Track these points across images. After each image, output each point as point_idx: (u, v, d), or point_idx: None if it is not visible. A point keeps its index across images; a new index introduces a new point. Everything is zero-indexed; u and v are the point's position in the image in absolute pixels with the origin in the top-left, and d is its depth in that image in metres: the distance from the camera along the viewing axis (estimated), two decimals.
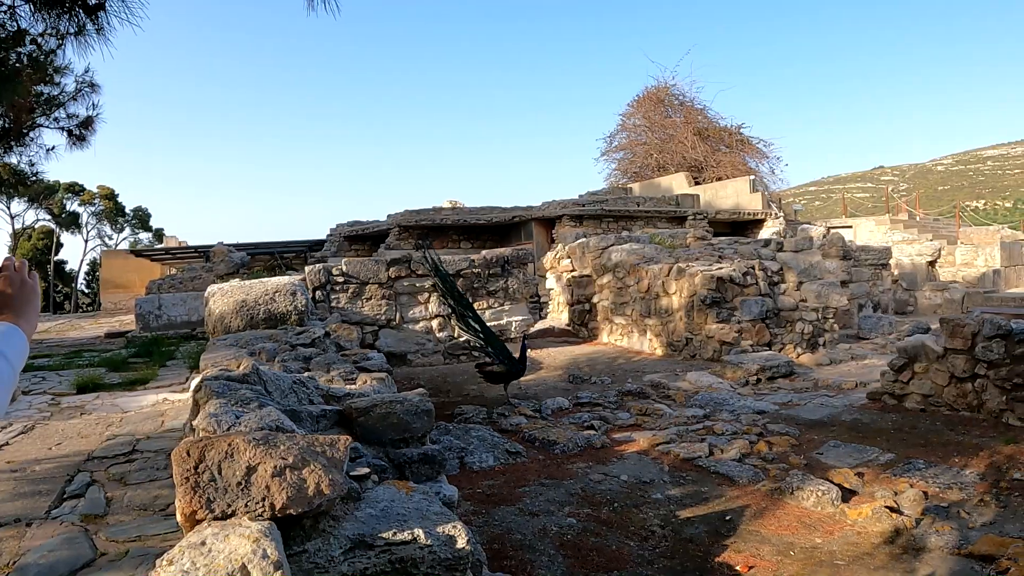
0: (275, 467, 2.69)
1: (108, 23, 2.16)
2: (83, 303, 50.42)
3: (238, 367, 5.18)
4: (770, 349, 12.12)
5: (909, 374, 7.98)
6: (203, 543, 2.38)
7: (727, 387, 9.76)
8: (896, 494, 5.16)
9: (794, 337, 12.61)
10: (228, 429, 3.18)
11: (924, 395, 7.80)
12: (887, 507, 4.87)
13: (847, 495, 5.30)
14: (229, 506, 2.58)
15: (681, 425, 7.60)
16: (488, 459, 6.35)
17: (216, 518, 2.55)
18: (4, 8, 2.21)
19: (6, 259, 1.47)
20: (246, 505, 2.58)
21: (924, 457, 6.13)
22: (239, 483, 2.64)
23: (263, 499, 2.60)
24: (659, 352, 13.37)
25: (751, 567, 4.17)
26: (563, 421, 7.98)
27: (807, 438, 6.94)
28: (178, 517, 2.71)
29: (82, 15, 2.15)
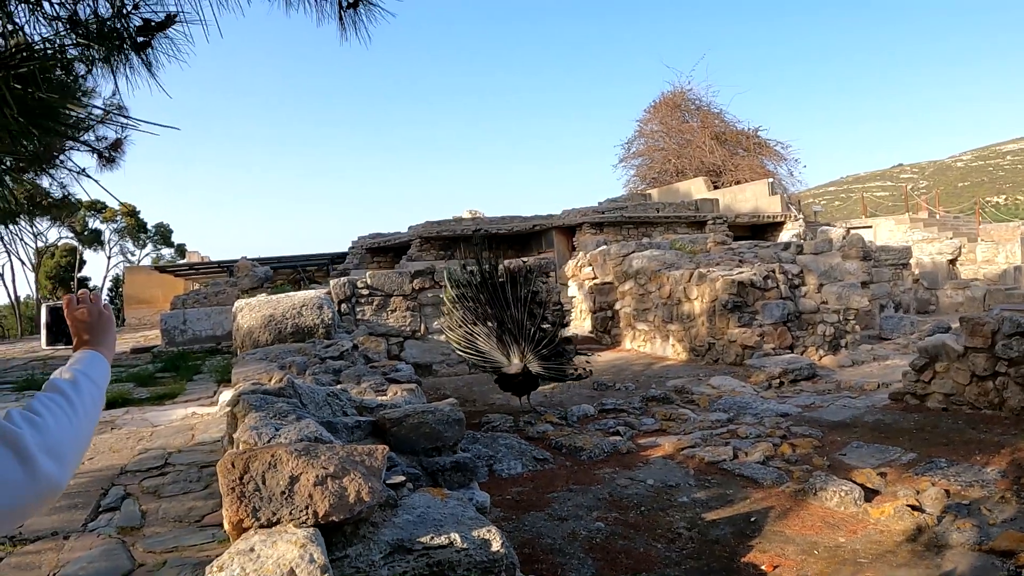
0: (317, 476, 2.81)
1: (156, 60, 2.31)
2: None
3: (270, 380, 5.32)
4: (792, 352, 12.17)
5: (930, 374, 8.02)
6: (252, 549, 2.51)
7: (750, 390, 9.84)
8: (918, 493, 5.24)
9: (816, 339, 12.66)
10: (269, 441, 3.31)
11: (946, 394, 7.85)
12: (909, 506, 4.96)
13: (870, 495, 5.38)
14: (274, 514, 2.70)
15: (705, 429, 7.69)
16: (516, 466, 6.47)
17: (262, 526, 2.68)
18: (54, 48, 2.34)
19: (82, 292, 1.61)
20: (290, 513, 2.71)
21: (946, 456, 6.19)
22: (283, 492, 2.76)
23: (306, 507, 2.72)
24: (682, 357, 13.45)
25: (776, 566, 4.27)
26: (589, 428, 8.08)
27: (830, 439, 7.02)
28: (225, 525, 2.84)
29: (129, 50, 2.29)
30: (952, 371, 7.79)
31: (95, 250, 52.52)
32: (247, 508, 2.71)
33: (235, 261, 25.97)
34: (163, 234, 55.46)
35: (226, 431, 4.58)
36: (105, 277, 54.07)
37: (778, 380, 10.42)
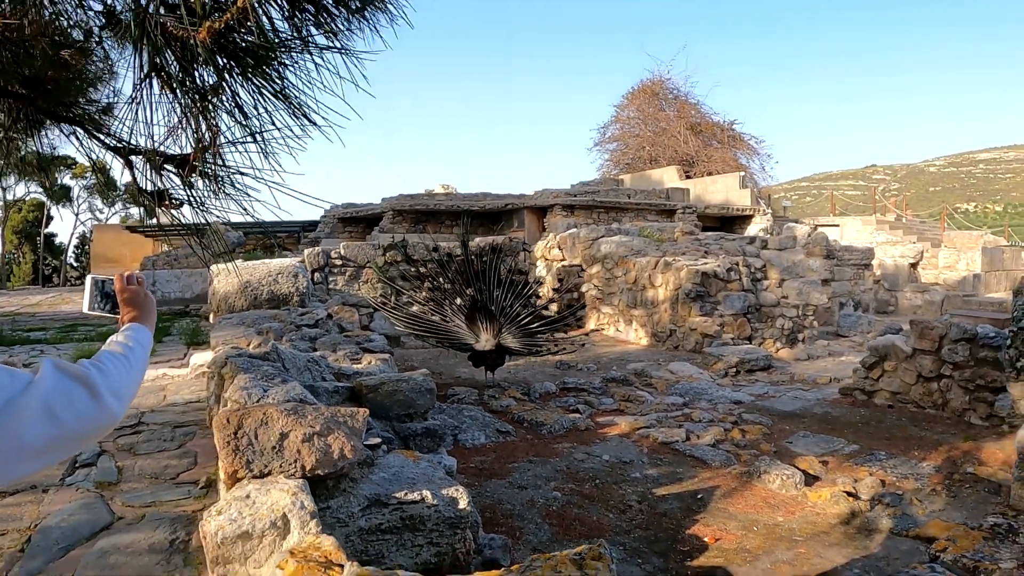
0: (304, 434, 3.09)
1: None
2: (71, 276, 50.40)
3: (248, 345, 5.57)
4: (751, 343, 12.55)
5: (879, 372, 8.39)
6: (247, 496, 2.79)
7: (707, 377, 10.19)
8: (856, 481, 5.61)
9: (774, 332, 13.05)
10: (258, 401, 3.58)
11: (893, 392, 8.21)
12: (845, 492, 5.33)
13: (810, 480, 5.74)
14: (266, 466, 2.99)
15: (661, 412, 8.04)
16: (480, 437, 6.78)
17: (255, 477, 2.96)
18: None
19: (129, 274, 1.90)
20: (280, 466, 2.99)
21: (886, 449, 6.56)
22: (274, 447, 3.04)
23: (295, 461, 3.00)
24: (644, 342, 13.79)
25: (718, 539, 4.61)
26: (550, 404, 8.40)
27: (779, 428, 7.38)
28: (220, 475, 3.12)
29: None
30: (900, 371, 8.14)
31: (63, 206, 51.88)
32: (241, 460, 2.99)
33: (206, 224, 25.90)
34: (133, 194, 54.86)
35: (212, 391, 4.82)
36: (72, 234, 53.52)
37: (735, 369, 10.78)
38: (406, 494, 3.14)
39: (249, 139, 2.12)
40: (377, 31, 2.03)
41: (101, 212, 54.43)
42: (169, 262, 21.52)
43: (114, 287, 1.89)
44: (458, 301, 9.75)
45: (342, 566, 2.24)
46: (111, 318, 1.89)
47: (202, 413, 7.76)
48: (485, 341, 9.16)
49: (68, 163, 48.15)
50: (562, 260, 16.79)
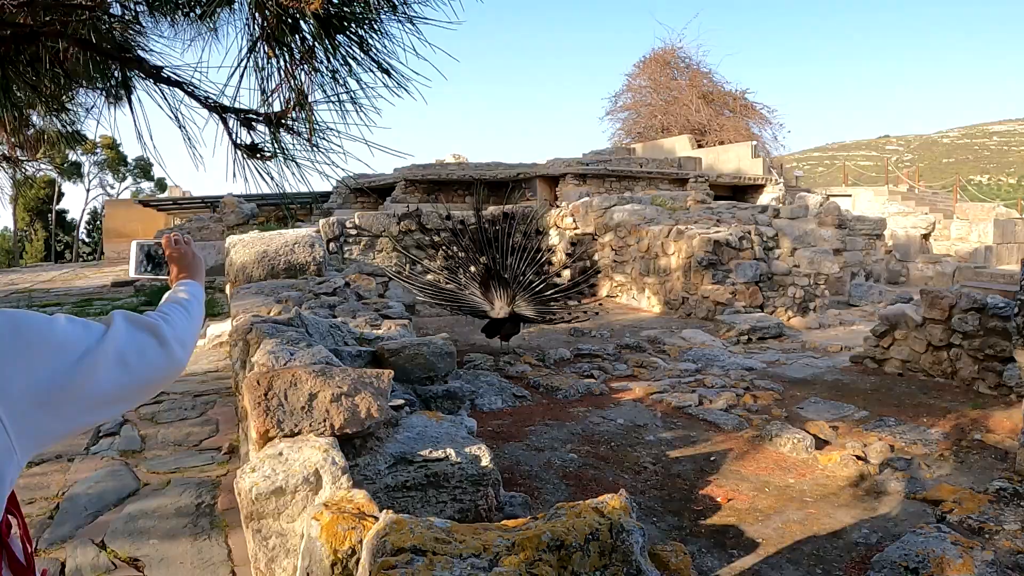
0: (333, 394, 3.21)
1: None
2: (83, 252, 50.62)
3: (268, 312, 5.69)
4: (762, 311, 12.62)
5: (890, 340, 8.47)
6: (280, 454, 2.91)
7: (719, 345, 10.29)
8: (865, 446, 5.72)
9: (786, 301, 13.13)
10: (285, 364, 3.69)
11: (903, 360, 8.29)
12: (855, 456, 5.44)
13: (821, 444, 5.86)
14: (296, 426, 3.11)
15: (674, 377, 8.15)
16: (497, 401, 6.91)
17: (286, 436, 3.09)
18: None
19: (176, 236, 2.01)
20: (310, 425, 3.11)
21: (895, 416, 6.65)
22: (303, 407, 3.16)
23: (324, 420, 3.12)
24: (656, 310, 13.90)
25: (730, 500, 4.74)
26: (565, 370, 8.53)
27: (790, 394, 7.49)
28: (252, 435, 3.24)
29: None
30: (910, 339, 8.21)
31: (74, 183, 51.86)
32: (272, 420, 3.11)
33: (218, 197, 25.98)
34: (143, 168, 54.78)
35: (237, 357, 4.93)
36: (84, 210, 53.60)
37: (746, 337, 10.88)
38: (431, 452, 3.25)
39: (341, 97, 2.26)
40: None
41: (112, 187, 54.45)
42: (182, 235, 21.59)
43: (162, 250, 2.00)
44: (472, 269, 9.86)
45: (376, 517, 2.36)
46: (161, 279, 2.01)
47: (221, 383, 7.90)
48: (499, 308, 9.27)
49: (77, 139, 48.02)
50: (575, 229, 16.86)
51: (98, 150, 50.12)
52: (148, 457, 5.63)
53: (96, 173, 53.03)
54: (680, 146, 28.49)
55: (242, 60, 2.21)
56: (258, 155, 2.32)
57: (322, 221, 12.63)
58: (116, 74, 2.48)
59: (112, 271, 24.01)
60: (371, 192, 25.23)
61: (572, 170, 21.20)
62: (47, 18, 2.42)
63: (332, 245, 12.39)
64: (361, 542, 2.25)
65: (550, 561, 1.96)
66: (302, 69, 2.21)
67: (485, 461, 3.30)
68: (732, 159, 26.52)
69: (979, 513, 4.39)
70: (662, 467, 5.31)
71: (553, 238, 17.70)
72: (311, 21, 2.04)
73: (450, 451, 3.27)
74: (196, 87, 2.26)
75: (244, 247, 8.22)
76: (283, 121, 2.21)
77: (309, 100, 2.24)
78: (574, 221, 17.01)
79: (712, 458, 5.52)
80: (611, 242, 15.61)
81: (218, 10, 2.19)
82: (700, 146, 29.70)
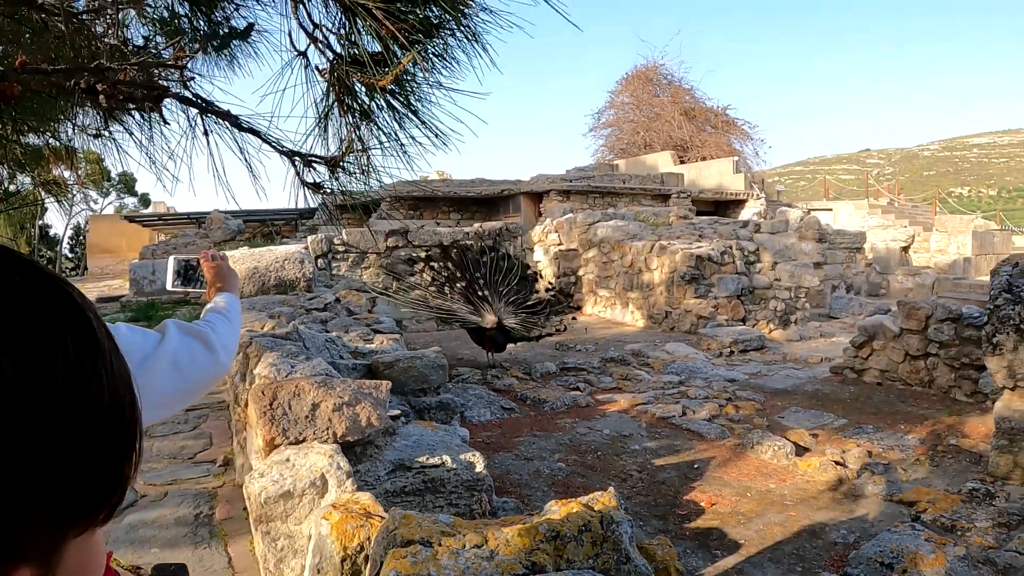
0: (335, 404, 3.37)
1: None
2: (66, 268, 50.35)
3: (262, 327, 5.84)
4: (744, 324, 12.84)
5: (868, 351, 8.67)
6: (287, 460, 3.07)
7: (702, 357, 10.48)
8: (844, 452, 5.91)
9: (767, 314, 13.36)
10: (287, 376, 3.85)
11: (881, 370, 8.49)
12: (834, 461, 5.63)
13: (801, 451, 6.05)
14: (300, 434, 3.27)
15: (658, 389, 8.34)
16: (485, 413, 7.08)
17: (291, 443, 3.24)
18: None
19: (213, 252, 2.17)
20: (314, 433, 3.27)
21: (874, 423, 6.86)
22: (307, 416, 3.32)
23: (327, 428, 3.28)
24: (640, 324, 14.10)
25: (713, 504, 4.92)
26: (551, 383, 8.71)
27: (771, 404, 7.68)
28: (259, 443, 3.39)
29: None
30: (888, 350, 8.42)
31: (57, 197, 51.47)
32: (278, 428, 3.27)
33: (204, 213, 26.00)
34: (127, 183, 54.59)
35: (237, 370, 5.07)
36: (67, 225, 53.31)
37: (729, 349, 11.07)
38: (427, 459, 3.41)
39: (393, 143, 2.59)
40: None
41: (95, 203, 54.17)
42: (168, 251, 21.65)
43: (196, 264, 2.15)
44: (459, 285, 10.03)
45: (381, 516, 2.53)
46: (195, 292, 2.16)
47: (212, 396, 7.99)
48: (488, 321, 9.46)
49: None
50: (559, 245, 17.06)
51: (82, 165, 49.74)
52: (144, 469, 5.67)
53: (79, 189, 52.72)
54: (662, 162, 28.74)
55: (320, 117, 2.51)
56: (320, 191, 2.61)
57: (310, 238, 12.77)
58: (190, 119, 2.76)
59: (96, 287, 23.82)
60: (356, 208, 25.29)
61: (556, 187, 21.40)
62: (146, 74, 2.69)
63: (320, 262, 12.53)
64: (369, 539, 2.41)
65: (547, 550, 2.13)
66: (365, 125, 2.51)
67: (479, 467, 3.46)
68: (714, 174, 26.79)
69: (952, 512, 4.59)
70: (647, 474, 5.49)
71: (538, 254, 17.87)
72: (378, 93, 2.33)
73: (446, 458, 3.43)
74: (269, 134, 2.53)
75: (235, 263, 8.31)
76: (339, 163, 2.48)
77: (367, 147, 2.53)
78: (558, 237, 17.21)
79: (696, 465, 5.70)
80: (595, 258, 15.82)
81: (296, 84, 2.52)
82: (682, 162, 29.97)
